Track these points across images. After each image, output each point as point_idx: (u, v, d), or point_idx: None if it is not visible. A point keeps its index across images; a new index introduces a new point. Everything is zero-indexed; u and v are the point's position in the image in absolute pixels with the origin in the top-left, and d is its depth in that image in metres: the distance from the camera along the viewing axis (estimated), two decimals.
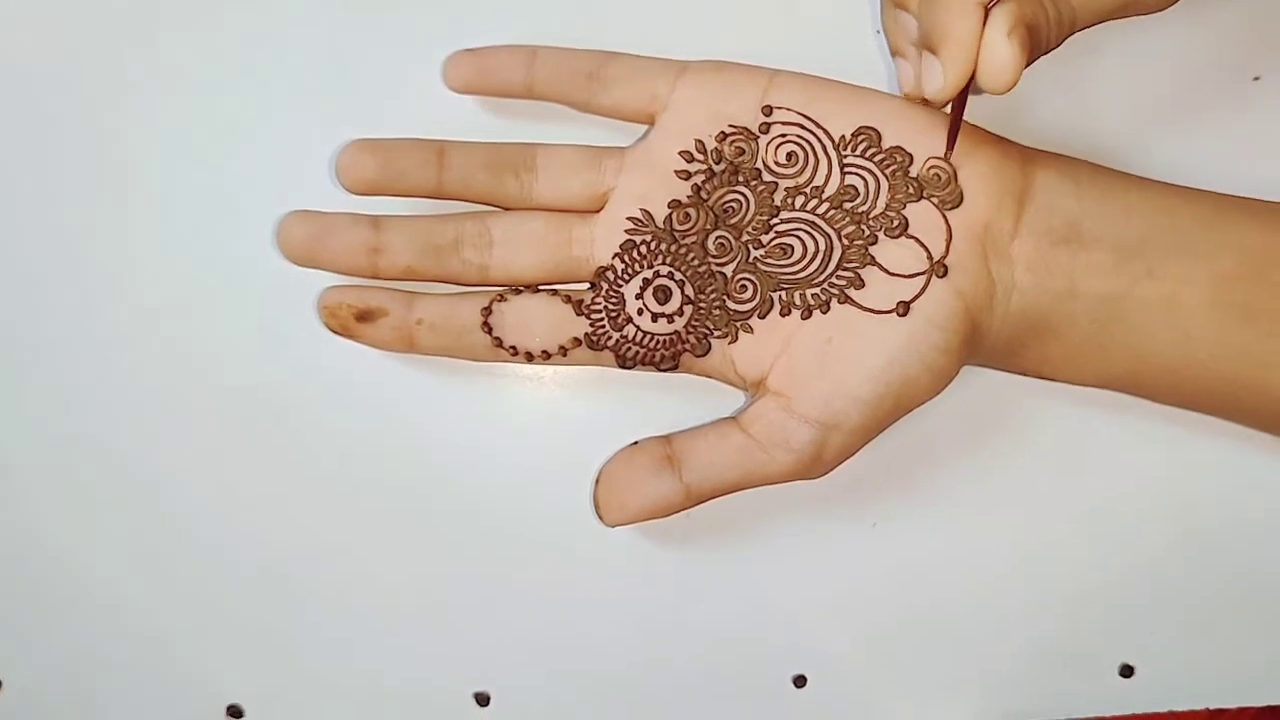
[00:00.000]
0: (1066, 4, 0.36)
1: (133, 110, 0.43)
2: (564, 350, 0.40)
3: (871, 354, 0.38)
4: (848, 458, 0.39)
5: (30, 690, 0.43)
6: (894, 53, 0.40)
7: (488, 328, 0.40)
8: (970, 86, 0.36)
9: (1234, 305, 0.38)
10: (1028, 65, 0.35)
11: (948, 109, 0.39)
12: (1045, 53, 0.37)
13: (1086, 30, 0.39)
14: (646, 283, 0.40)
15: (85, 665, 0.43)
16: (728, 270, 0.40)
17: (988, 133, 0.40)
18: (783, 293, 0.39)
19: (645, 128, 0.41)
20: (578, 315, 0.40)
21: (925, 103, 0.39)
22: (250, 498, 0.43)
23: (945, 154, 0.38)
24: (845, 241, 0.39)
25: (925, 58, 0.37)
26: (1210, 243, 0.38)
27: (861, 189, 0.39)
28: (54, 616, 0.43)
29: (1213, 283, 0.38)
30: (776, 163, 0.39)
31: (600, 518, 0.40)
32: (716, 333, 0.40)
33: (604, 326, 0.40)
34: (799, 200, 0.39)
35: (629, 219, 0.40)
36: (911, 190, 0.38)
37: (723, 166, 0.40)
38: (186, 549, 0.43)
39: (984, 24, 0.34)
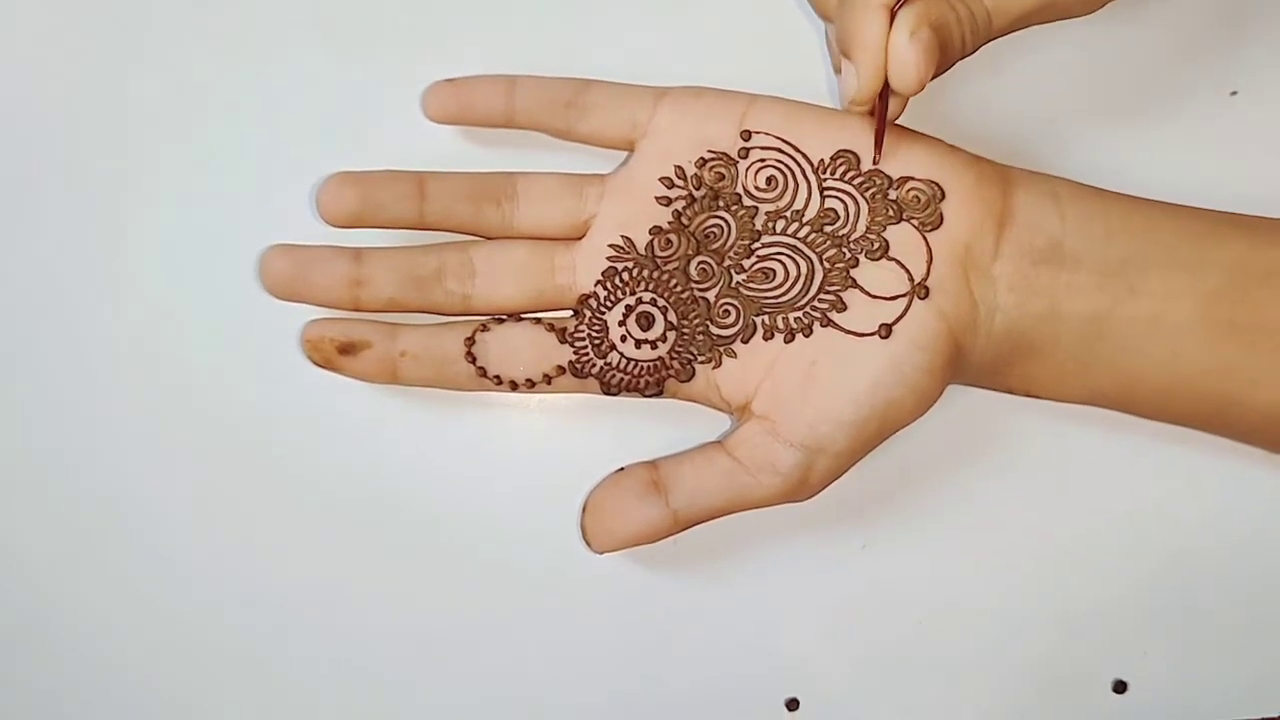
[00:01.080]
0: (980, 5, 0.36)
1: (113, 145, 0.43)
2: (548, 379, 0.40)
3: (855, 377, 0.38)
4: (834, 480, 0.39)
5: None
6: (836, 71, 0.40)
7: (471, 358, 0.40)
8: (889, 90, 0.36)
9: (1220, 322, 0.38)
10: (943, 69, 0.36)
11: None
12: (962, 56, 0.37)
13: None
14: (629, 309, 0.40)
15: (64, 697, 0.43)
16: (710, 295, 0.40)
17: (967, 153, 0.40)
18: (765, 317, 0.39)
19: (625, 154, 0.41)
20: (561, 343, 0.40)
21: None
22: (233, 531, 0.42)
23: (875, 157, 0.39)
24: (826, 265, 0.39)
25: (844, 64, 0.37)
26: (1195, 259, 0.38)
27: (841, 212, 0.39)
28: (32, 647, 0.43)
29: (1198, 300, 0.38)
30: (756, 187, 0.39)
31: (588, 545, 0.40)
32: (700, 358, 0.40)
33: (588, 354, 0.40)
34: (779, 224, 0.39)
35: (610, 246, 0.40)
36: (891, 212, 0.38)
37: (703, 192, 0.40)
38: (171, 584, 0.43)
39: (890, 28, 0.35)
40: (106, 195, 0.43)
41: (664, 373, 0.40)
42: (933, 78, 0.35)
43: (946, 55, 0.36)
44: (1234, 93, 0.43)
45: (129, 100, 0.43)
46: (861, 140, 0.39)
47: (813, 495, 0.39)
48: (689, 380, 0.40)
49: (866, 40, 0.35)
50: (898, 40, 0.35)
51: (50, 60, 0.43)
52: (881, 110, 0.38)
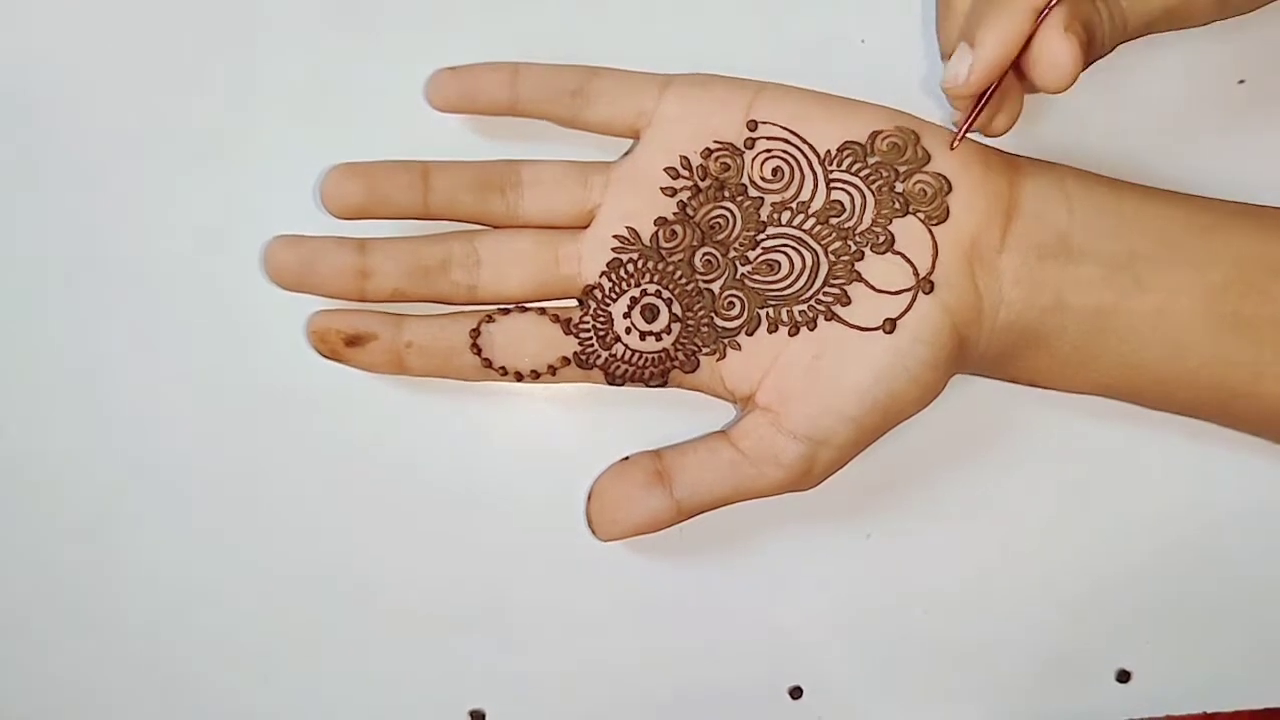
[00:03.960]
0: (1119, 8, 0.36)
1: (117, 136, 0.43)
2: (553, 369, 0.40)
3: (859, 371, 0.38)
4: (837, 471, 0.39)
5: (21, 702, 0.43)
6: (944, 57, 0.40)
7: (477, 349, 0.40)
8: (993, 90, 0.36)
9: (1226, 314, 0.38)
10: (1084, 68, 0.36)
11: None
12: (1099, 57, 0.37)
13: None
14: (634, 301, 0.40)
15: (80, 683, 0.43)
16: (715, 287, 0.39)
17: (975, 143, 0.39)
18: (770, 309, 0.39)
19: (631, 142, 0.41)
20: (566, 334, 0.40)
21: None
22: (242, 520, 0.43)
23: (952, 145, 0.38)
24: (832, 258, 0.39)
25: (960, 47, 0.36)
26: (1202, 252, 0.38)
27: (847, 204, 0.39)
28: (38, 637, 0.43)
29: (1205, 292, 0.38)
30: (762, 178, 0.39)
31: (593, 533, 0.40)
32: (705, 350, 0.40)
33: (592, 345, 0.40)
34: (785, 216, 0.39)
35: (615, 237, 0.40)
36: (898, 205, 0.38)
37: (708, 183, 0.40)
38: (179, 569, 0.43)
39: (1033, 28, 0.35)
40: (109, 187, 0.43)
41: (668, 364, 0.40)
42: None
43: (1089, 54, 0.36)
44: (1241, 81, 0.43)
45: (132, 91, 0.43)
46: (867, 131, 0.39)
47: (816, 485, 0.39)
48: (693, 371, 0.40)
49: (1002, 35, 0.35)
50: (1051, 36, 0.35)
51: (54, 52, 0.43)
52: (979, 105, 0.37)
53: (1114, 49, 0.37)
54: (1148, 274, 0.38)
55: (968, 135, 0.38)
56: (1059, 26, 0.34)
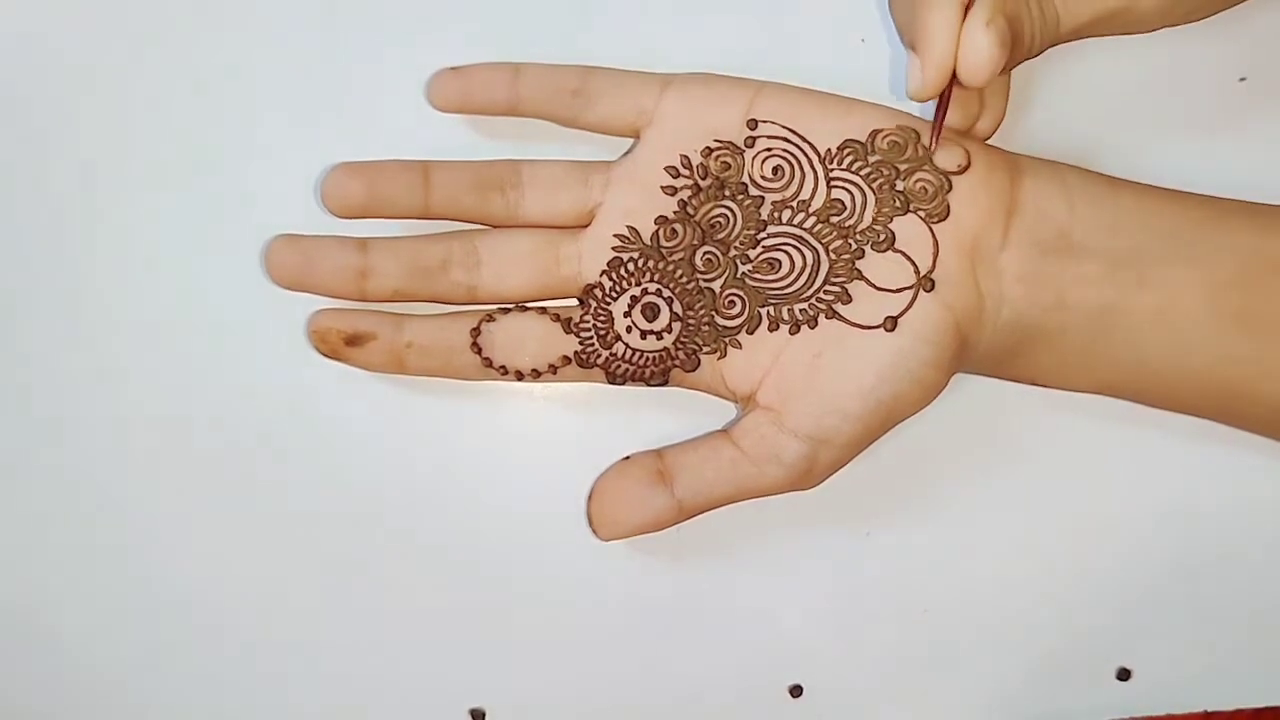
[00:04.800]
0: (1051, 7, 0.36)
1: (117, 135, 0.43)
2: (554, 368, 0.40)
3: (860, 369, 0.38)
4: (838, 470, 0.39)
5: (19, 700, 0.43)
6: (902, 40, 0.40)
7: (477, 348, 0.40)
8: (953, 85, 0.36)
9: (1230, 313, 0.38)
10: (1011, 66, 0.36)
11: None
12: (1028, 56, 0.37)
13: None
14: (635, 300, 0.40)
15: (80, 682, 0.43)
16: (716, 286, 0.39)
17: (976, 141, 0.39)
18: (771, 308, 0.39)
19: (631, 141, 0.41)
20: (567, 333, 0.40)
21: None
22: (241, 520, 0.43)
23: (930, 148, 0.38)
24: (832, 256, 0.39)
25: (909, 56, 0.37)
26: (1206, 249, 0.38)
27: (848, 203, 0.39)
28: (33, 641, 0.43)
29: (1208, 290, 0.38)
30: (763, 177, 0.39)
31: (594, 533, 0.40)
32: (705, 349, 0.40)
33: (593, 344, 0.40)
34: (786, 214, 0.39)
35: (616, 236, 0.40)
36: (898, 204, 0.38)
37: (709, 181, 0.40)
38: (180, 565, 0.43)
39: (963, 20, 0.35)
40: (110, 187, 0.43)
41: (669, 363, 0.40)
42: (1000, 72, 0.35)
43: (1015, 51, 0.36)
44: (1243, 79, 0.43)
45: (132, 90, 0.43)
46: (867, 129, 0.39)
47: (817, 484, 0.39)
48: (694, 370, 0.40)
49: (936, 32, 0.35)
50: (972, 29, 0.34)
51: (54, 51, 0.43)
52: (943, 104, 0.38)
53: (1044, 50, 0.37)
54: (1150, 271, 0.38)
55: (943, 134, 0.38)
56: (981, 20, 0.34)
